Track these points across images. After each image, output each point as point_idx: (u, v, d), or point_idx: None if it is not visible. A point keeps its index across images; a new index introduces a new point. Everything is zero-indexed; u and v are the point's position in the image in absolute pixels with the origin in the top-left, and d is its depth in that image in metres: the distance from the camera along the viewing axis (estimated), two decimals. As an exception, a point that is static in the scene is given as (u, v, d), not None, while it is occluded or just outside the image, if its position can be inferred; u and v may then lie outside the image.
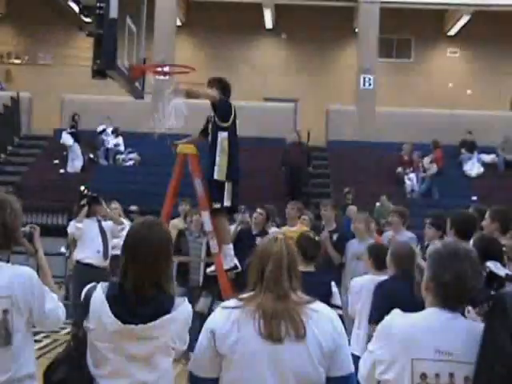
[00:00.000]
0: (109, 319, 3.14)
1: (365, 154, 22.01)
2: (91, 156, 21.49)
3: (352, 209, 16.21)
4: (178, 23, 25.65)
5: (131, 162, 21.54)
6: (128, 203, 17.35)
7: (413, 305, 5.24)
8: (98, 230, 9.62)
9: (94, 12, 7.60)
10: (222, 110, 7.64)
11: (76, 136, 21.25)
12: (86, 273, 9.06)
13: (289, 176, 19.70)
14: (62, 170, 20.99)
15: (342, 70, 26.15)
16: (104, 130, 21.99)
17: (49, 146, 22.65)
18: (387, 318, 3.10)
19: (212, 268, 7.91)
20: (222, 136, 7.60)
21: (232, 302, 3.20)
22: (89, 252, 9.43)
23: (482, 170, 21.56)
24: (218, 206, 7.59)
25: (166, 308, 3.17)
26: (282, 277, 3.15)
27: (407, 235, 9.14)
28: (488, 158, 21.99)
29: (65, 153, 21.30)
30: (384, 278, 6.65)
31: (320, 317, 3.15)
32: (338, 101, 24.41)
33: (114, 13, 7.22)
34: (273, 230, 10.15)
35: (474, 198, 19.97)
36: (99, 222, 9.75)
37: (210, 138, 7.68)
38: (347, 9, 24.82)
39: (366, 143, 22.68)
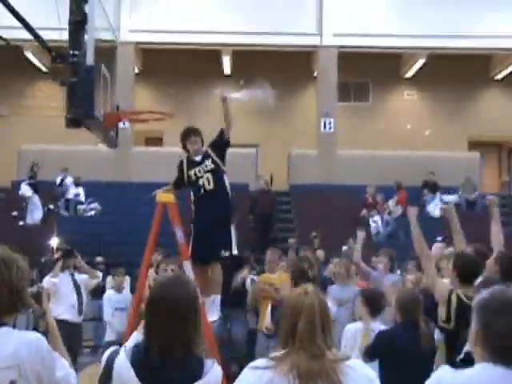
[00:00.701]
0: None
1: (328, 197, 22.00)
2: (51, 207, 21.06)
3: (320, 253, 16.09)
4: (136, 71, 25.56)
5: (92, 213, 21.17)
6: (91, 254, 16.99)
7: (417, 356, 5.09)
8: (72, 284, 9.29)
9: (68, 60, 7.38)
10: (226, 151, 7.68)
11: (35, 187, 20.84)
12: (61, 329, 8.69)
13: (258, 225, 19.53)
14: (21, 222, 20.51)
15: (303, 114, 26.24)
16: (62, 181, 21.68)
17: (7, 197, 22.20)
18: (438, 375, 2.87)
19: None
20: (226, 179, 7.70)
21: (262, 362, 2.98)
22: (63, 308, 9.07)
23: (444, 210, 21.65)
24: (227, 254, 7.45)
25: (196, 373, 2.94)
26: (317, 334, 2.95)
27: (393, 278, 9.07)
28: (450, 198, 22.11)
29: (24, 204, 20.84)
30: (378, 324, 6.48)
31: (358, 375, 2.95)
32: (299, 144, 24.47)
33: (90, 60, 7.02)
34: (250, 277, 10.00)
35: (439, 238, 19.96)
36: (72, 275, 9.42)
37: (211, 182, 7.60)
38: (305, 53, 25.00)
39: (328, 186, 22.69)
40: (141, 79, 25.99)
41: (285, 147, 24.61)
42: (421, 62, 25.20)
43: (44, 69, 25.80)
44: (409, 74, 26.55)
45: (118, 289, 11.19)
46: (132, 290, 13.31)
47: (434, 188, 22.05)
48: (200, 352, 2.98)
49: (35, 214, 20.65)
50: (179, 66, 26.16)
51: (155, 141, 25.79)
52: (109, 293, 11.21)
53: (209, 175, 7.59)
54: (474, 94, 26.94)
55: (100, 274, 10.75)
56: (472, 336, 2.82)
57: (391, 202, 21.05)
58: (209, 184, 7.59)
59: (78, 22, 7.37)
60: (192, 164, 7.72)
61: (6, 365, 3.01)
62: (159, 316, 2.98)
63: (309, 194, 22.43)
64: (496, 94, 27.13)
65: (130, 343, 3.18)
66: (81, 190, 21.48)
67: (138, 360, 2.94)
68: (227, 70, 25.99)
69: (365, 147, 24.66)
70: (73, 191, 21.40)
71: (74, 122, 7.29)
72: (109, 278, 13.67)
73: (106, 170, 22.86)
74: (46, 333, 3.39)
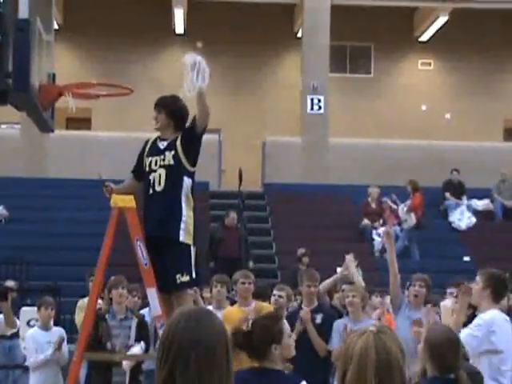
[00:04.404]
0: None
1: (316, 202, 22.09)
2: None
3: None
4: (55, 26, 25.41)
5: (-4, 219, 21.11)
6: (-2, 277, 16.89)
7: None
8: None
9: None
10: (198, 146, 7.76)
11: None
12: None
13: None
14: None
15: (282, 89, 26.31)
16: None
17: None
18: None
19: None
20: (188, 183, 7.75)
21: None
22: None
23: (473, 220, 21.89)
24: (186, 278, 7.62)
25: None
26: None
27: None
28: (481, 204, 22.35)
29: None
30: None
31: None
32: (277, 130, 24.52)
33: (24, 12, 7.00)
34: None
35: (467, 258, 20.24)
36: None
37: (163, 181, 7.70)
38: (287, 8, 25.12)
39: (316, 186, 22.75)
40: (60, 37, 25.84)
41: (258, 133, 24.65)
42: (441, 21, 25.40)
43: None
44: (425, 37, 26.77)
45: (46, 325, 11.19)
46: (57, 323, 13.26)
47: (458, 190, 22.24)
48: None
49: None
50: (114, 22, 26.07)
51: (80, 122, 25.66)
52: (33, 331, 11.17)
53: (162, 172, 7.69)
54: (512, 65, 27.28)
55: (18, 323, 10.83)
56: None
57: (401, 208, 21.19)
58: (159, 184, 7.69)
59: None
60: (153, 150, 7.83)
61: None
62: (181, 363, 2.99)
63: (290, 197, 22.49)
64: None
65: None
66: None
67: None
68: (179, 27, 25.98)
69: (366, 134, 24.82)
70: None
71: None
72: (24, 310, 13.61)
73: (13, 163, 22.66)
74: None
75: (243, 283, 9.89)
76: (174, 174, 7.68)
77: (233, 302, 10.91)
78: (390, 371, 3.09)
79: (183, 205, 7.68)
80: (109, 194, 7.93)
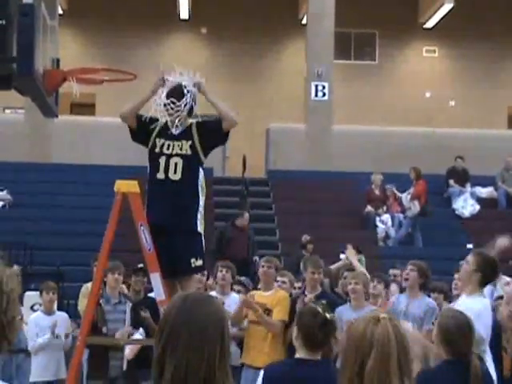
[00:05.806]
0: None
1: (320, 189, 22.09)
2: None
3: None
4: (59, 11, 25.42)
5: (0, 204, 21.09)
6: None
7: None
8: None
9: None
10: (218, 140, 7.90)
11: None
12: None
13: None
14: None
15: (286, 76, 26.30)
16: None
17: None
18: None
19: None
20: (202, 173, 7.83)
21: None
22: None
23: (477, 207, 21.89)
24: (200, 263, 7.80)
25: None
26: (391, 375, 3.03)
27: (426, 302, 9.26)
28: (484, 191, 22.34)
29: None
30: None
31: None
32: (281, 117, 24.53)
33: (29, -4, 7.01)
34: (234, 295, 10.16)
35: (470, 246, 20.21)
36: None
37: (180, 171, 7.71)
38: (291, -7, 25.15)
39: (320, 173, 22.76)
40: (64, 22, 25.81)
41: (262, 120, 24.66)
42: (446, 8, 25.37)
43: None
44: (429, 24, 26.76)
45: (49, 310, 11.21)
46: (61, 308, 13.31)
47: (462, 177, 22.23)
48: None
49: None
50: (118, 7, 26.08)
51: (84, 108, 25.68)
52: (36, 315, 11.21)
53: (178, 160, 7.69)
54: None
55: (22, 309, 10.85)
56: None
57: (405, 196, 21.19)
58: (175, 172, 7.69)
59: None
60: (164, 133, 7.77)
61: None
62: (171, 345, 3.01)
63: (294, 184, 22.47)
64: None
65: None
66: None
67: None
68: (184, 13, 25.97)
69: (370, 121, 24.80)
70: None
71: (3, 81, 7.28)
72: (28, 295, 13.66)
73: (17, 148, 22.69)
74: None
75: (263, 266, 10.07)
76: (191, 164, 7.73)
77: (254, 288, 11.00)
78: (406, 357, 3.14)
79: (200, 195, 7.77)
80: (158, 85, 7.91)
